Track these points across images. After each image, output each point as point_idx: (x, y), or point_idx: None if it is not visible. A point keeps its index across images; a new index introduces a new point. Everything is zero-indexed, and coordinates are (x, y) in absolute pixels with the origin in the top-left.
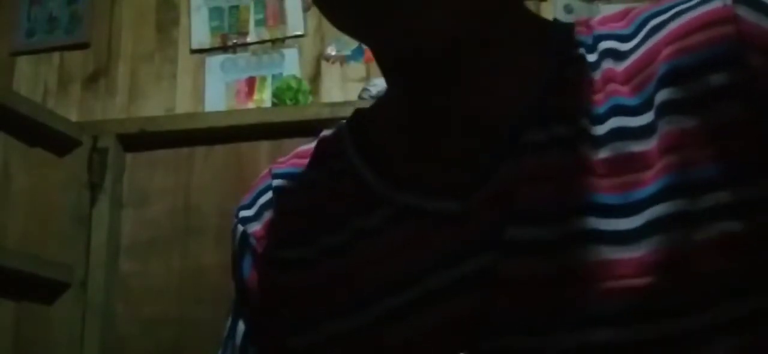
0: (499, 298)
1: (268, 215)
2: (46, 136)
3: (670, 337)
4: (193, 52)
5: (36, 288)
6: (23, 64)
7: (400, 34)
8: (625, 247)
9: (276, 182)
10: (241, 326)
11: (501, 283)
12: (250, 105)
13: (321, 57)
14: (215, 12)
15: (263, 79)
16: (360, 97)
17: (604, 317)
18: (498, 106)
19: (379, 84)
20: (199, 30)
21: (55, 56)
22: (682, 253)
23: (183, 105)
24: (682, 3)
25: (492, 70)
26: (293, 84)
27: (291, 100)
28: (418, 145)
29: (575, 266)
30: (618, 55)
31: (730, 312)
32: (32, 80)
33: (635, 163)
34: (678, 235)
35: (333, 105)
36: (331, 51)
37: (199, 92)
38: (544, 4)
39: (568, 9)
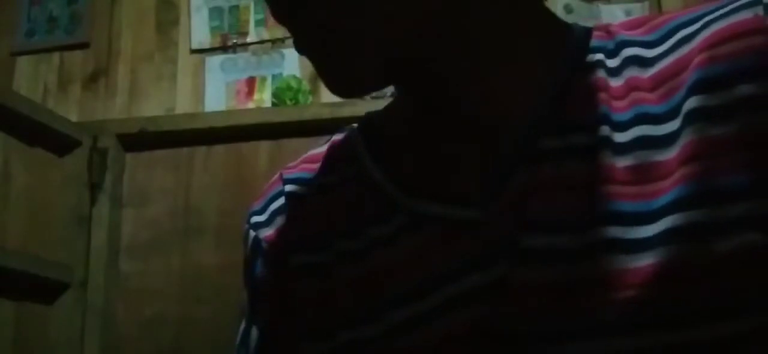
0: (513, 306)
1: (280, 220)
2: (46, 136)
3: (682, 347)
4: (193, 52)
5: (36, 288)
6: (23, 64)
7: (346, 83)
8: (640, 255)
9: (288, 187)
10: (254, 333)
11: (516, 292)
12: (250, 105)
13: None
14: (215, 12)
15: (263, 79)
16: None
17: (618, 326)
18: (514, 111)
19: None
20: (199, 30)
21: (55, 56)
22: (699, 263)
23: (183, 105)
24: (712, 12)
25: (505, 75)
26: (293, 84)
27: (291, 100)
28: (431, 151)
29: (591, 274)
30: (643, 62)
31: (747, 322)
32: (32, 80)
33: (658, 171)
34: (694, 244)
35: (333, 105)
36: None
37: (199, 92)
38: None
39: (568, 9)
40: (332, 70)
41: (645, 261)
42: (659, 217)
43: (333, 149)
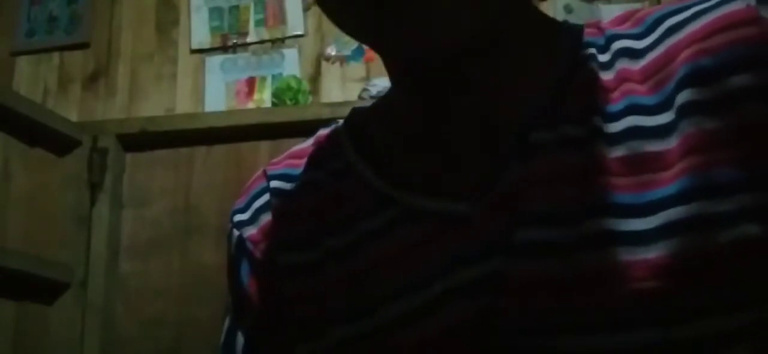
0: (508, 300)
1: (265, 218)
2: (46, 136)
3: (686, 340)
4: (193, 52)
5: (36, 288)
6: (23, 64)
7: (415, 36)
8: (641, 248)
9: (273, 184)
10: (240, 337)
11: (510, 286)
12: (250, 105)
13: (321, 57)
14: (215, 12)
15: (263, 79)
16: (360, 97)
17: (619, 320)
18: (507, 106)
19: (379, 84)
20: (199, 30)
21: (55, 56)
22: (701, 256)
23: (183, 105)
24: (702, 3)
25: (502, 70)
26: (293, 84)
27: (291, 100)
28: (424, 145)
29: (588, 268)
30: (633, 54)
31: (747, 316)
32: (32, 80)
33: (652, 163)
34: (697, 237)
35: (333, 105)
36: (331, 51)
37: (199, 92)
38: (543, 4)
39: (568, 9)
40: (427, 16)
41: (647, 254)
42: (658, 209)
43: (319, 145)
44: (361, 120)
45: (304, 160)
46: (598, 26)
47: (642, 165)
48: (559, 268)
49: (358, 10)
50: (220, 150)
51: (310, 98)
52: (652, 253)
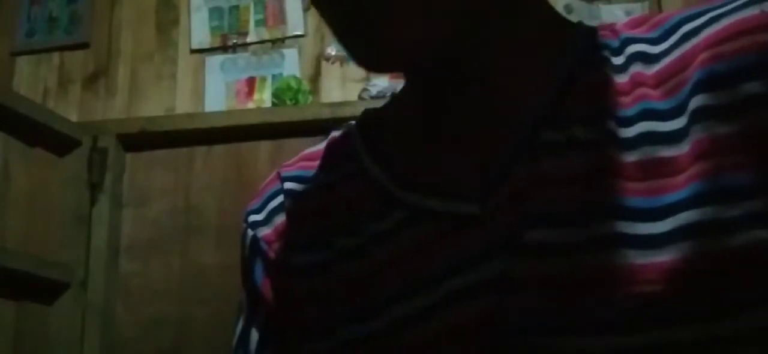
0: (516, 300)
1: (279, 219)
2: (46, 136)
3: (696, 344)
4: (193, 52)
5: (36, 288)
6: (23, 64)
7: (383, 46)
8: (652, 251)
9: (287, 185)
10: (254, 334)
11: (518, 286)
12: (250, 105)
13: (321, 57)
14: (215, 12)
15: (263, 79)
16: (360, 97)
17: (629, 322)
18: (510, 105)
19: (379, 84)
20: (199, 30)
21: (55, 56)
22: (712, 261)
23: (183, 105)
24: (717, 8)
25: (510, 70)
26: (293, 84)
27: (291, 100)
28: (429, 146)
29: (597, 269)
30: (648, 59)
31: (758, 321)
32: (32, 80)
33: (665, 168)
34: (708, 242)
35: (333, 105)
36: (331, 51)
37: (199, 92)
38: None
39: (569, 9)
40: (379, 32)
41: (657, 257)
42: (671, 213)
43: (331, 147)
44: (373, 120)
45: (317, 163)
46: (612, 28)
47: (655, 170)
48: (566, 269)
49: (336, 17)
50: (220, 150)
51: (310, 98)
52: (663, 256)
